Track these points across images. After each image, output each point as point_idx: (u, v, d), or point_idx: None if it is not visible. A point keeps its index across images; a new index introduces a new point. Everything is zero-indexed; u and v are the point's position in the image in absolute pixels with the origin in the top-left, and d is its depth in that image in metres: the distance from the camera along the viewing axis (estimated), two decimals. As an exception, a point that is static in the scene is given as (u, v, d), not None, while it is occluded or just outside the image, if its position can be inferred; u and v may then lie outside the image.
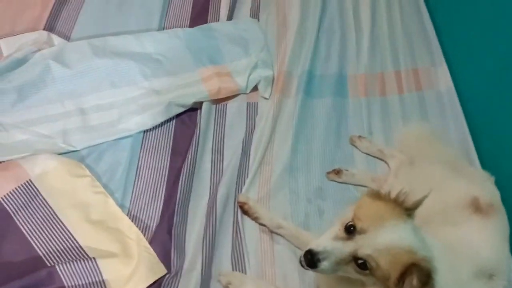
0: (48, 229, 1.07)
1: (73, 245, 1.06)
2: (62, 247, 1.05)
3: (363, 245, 0.78)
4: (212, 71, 1.38)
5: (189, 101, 1.30)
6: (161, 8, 1.55)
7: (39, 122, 1.23)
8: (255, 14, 1.60)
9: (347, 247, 0.80)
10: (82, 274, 0.99)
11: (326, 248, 0.81)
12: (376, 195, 0.86)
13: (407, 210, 0.82)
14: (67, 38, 1.43)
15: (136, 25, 1.49)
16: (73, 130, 1.23)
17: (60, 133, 1.22)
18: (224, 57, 1.42)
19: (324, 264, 0.80)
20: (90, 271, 1.00)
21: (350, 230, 0.82)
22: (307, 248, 0.83)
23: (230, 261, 1.08)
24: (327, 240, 0.83)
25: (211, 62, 1.40)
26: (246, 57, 1.43)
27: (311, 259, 0.81)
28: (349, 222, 0.82)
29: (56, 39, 1.39)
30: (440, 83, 1.50)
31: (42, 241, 1.05)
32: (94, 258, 1.01)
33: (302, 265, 0.86)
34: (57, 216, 1.09)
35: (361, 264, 0.78)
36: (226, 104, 1.36)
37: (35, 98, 1.26)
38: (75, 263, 1.00)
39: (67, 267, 0.99)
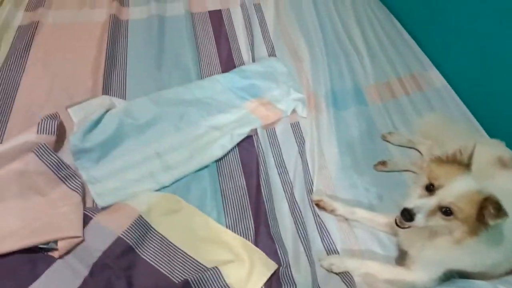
0: (166, 253, 1.23)
1: (191, 261, 1.22)
2: (183, 266, 1.21)
3: (444, 196, 1.03)
4: (255, 103, 1.63)
5: (247, 129, 1.53)
6: (194, 63, 1.79)
7: (124, 170, 1.41)
8: (272, 53, 1.87)
9: (432, 201, 1.04)
10: (210, 282, 1.16)
11: (417, 204, 1.04)
12: (439, 159, 1.12)
13: (465, 164, 1.08)
14: (123, 99, 1.63)
15: (178, 79, 1.72)
16: (157, 171, 1.41)
17: (147, 176, 1.40)
18: (261, 91, 1.67)
19: (418, 217, 1.03)
20: (215, 278, 1.17)
21: (430, 189, 1.06)
22: (402, 208, 1.06)
23: (322, 247, 1.29)
24: (415, 199, 1.07)
25: (251, 96, 1.65)
26: (278, 88, 1.69)
27: (408, 215, 1.04)
28: (427, 183, 1.07)
29: (116, 100, 1.59)
30: (436, 82, 1.83)
31: (165, 264, 1.21)
32: (216, 267, 1.18)
33: (398, 225, 1.09)
34: (169, 241, 1.25)
35: (445, 211, 1.02)
36: (274, 128, 1.59)
37: (116, 151, 1.44)
38: (201, 273, 1.16)
39: (196, 278, 1.15)
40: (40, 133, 1.38)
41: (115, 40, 1.84)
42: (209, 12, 2.08)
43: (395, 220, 1.11)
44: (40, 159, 1.29)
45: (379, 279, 1.21)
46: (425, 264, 1.16)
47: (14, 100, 1.57)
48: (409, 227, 1.10)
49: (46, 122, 1.40)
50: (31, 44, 1.78)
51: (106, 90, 1.64)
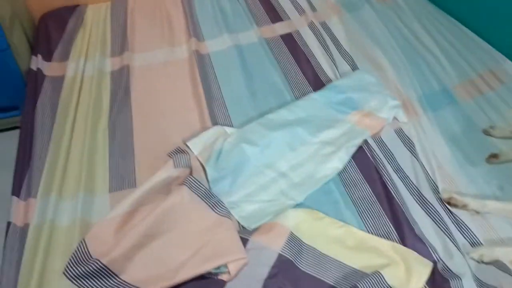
0: (323, 265, 1.29)
1: (350, 270, 1.29)
2: (344, 274, 1.28)
3: None
4: (357, 115, 1.71)
5: (358, 141, 1.61)
6: (284, 85, 1.88)
7: (257, 192, 1.48)
8: (354, 67, 1.97)
9: None
10: (375, 286, 1.22)
11: None
12: None
13: None
14: (230, 126, 1.71)
15: (275, 102, 1.81)
16: (286, 189, 1.49)
17: (279, 194, 1.48)
18: (358, 103, 1.75)
19: None
20: (379, 282, 1.23)
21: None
22: None
23: (465, 241, 1.35)
24: None
25: (351, 109, 1.73)
26: (374, 98, 1.77)
27: None
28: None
29: (227, 129, 1.67)
30: (513, 73, 1.91)
31: (327, 275, 1.27)
32: (377, 271, 1.25)
33: None
34: (323, 253, 1.32)
35: None
36: (380, 136, 1.67)
37: (243, 176, 1.51)
38: (365, 279, 1.23)
39: (362, 284, 1.22)
40: (177, 167, 1.46)
41: (205, 73, 1.94)
42: (281, 36, 2.18)
43: None
44: (193, 190, 1.37)
45: (529, 263, 1.27)
46: None
47: (133, 141, 1.65)
48: None
49: (179, 156, 1.49)
50: (129, 87, 1.88)
51: (213, 121, 1.73)
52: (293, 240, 1.33)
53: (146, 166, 1.56)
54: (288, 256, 1.29)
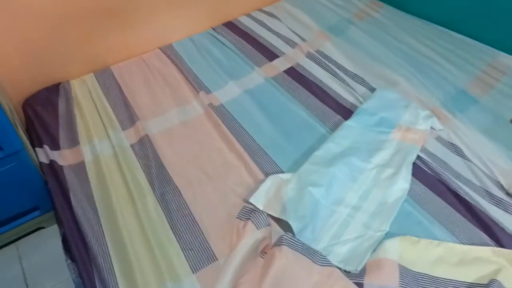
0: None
1: (466, 285, 1.30)
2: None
3: None
4: (398, 132, 1.76)
5: (413, 156, 1.65)
6: (312, 118, 1.89)
7: (340, 232, 1.46)
8: (369, 87, 2.03)
9: None
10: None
11: None
12: None
13: None
14: (280, 172, 1.68)
15: (311, 138, 1.80)
16: (367, 221, 1.48)
17: (363, 228, 1.46)
18: (394, 121, 1.80)
19: None
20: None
21: None
22: None
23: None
24: None
25: (390, 128, 1.78)
26: (405, 113, 1.83)
27: None
28: None
29: (283, 176, 1.64)
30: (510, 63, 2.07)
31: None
32: (494, 279, 1.27)
33: None
34: (435, 276, 1.32)
35: None
36: (426, 148, 1.72)
37: (320, 220, 1.49)
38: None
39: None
40: (260, 228, 1.40)
41: (231, 125, 1.89)
42: (284, 71, 2.20)
43: None
44: (293, 248, 1.32)
45: None
46: None
47: (191, 213, 1.57)
48: None
49: (256, 216, 1.43)
50: (159, 157, 1.78)
51: (263, 172, 1.68)
52: (405, 272, 1.31)
53: (216, 235, 1.49)
54: (407, 289, 1.27)
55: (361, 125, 1.80)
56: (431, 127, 1.80)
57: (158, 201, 1.61)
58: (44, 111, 2.07)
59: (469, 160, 1.65)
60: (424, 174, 1.63)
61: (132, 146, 1.86)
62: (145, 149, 1.82)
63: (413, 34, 2.33)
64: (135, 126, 1.94)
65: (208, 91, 2.11)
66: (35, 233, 1.95)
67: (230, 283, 1.28)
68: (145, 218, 1.54)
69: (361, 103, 1.94)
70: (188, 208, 1.58)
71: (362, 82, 2.07)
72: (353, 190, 1.58)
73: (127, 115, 2.01)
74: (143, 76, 2.26)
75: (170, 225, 1.53)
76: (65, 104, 2.11)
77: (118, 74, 2.28)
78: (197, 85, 2.13)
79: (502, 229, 1.41)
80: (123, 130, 1.95)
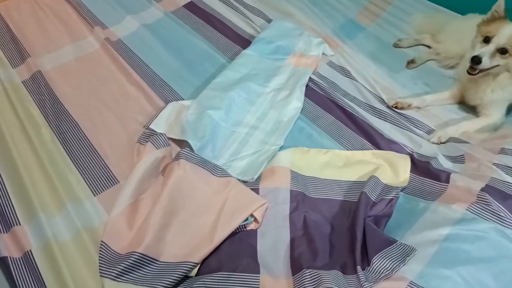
0: (328, 187, 1.43)
1: (350, 183, 1.45)
2: (346, 189, 1.43)
3: (499, 41, 1.43)
4: (293, 58, 1.85)
5: (305, 79, 1.76)
6: (215, 50, 1.93)
7: (239, 149, 1.54)
8: (268, 19, 2.10)
9: (491, 46, 1.44)
10: (376, 188, 1.40)
11: (481, 51, 1.44)
12: (485, 21, 1.51)
13: (503, 17, 1.48)
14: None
15: (213, 68, 1.84)
16: (264, 138, 1.57)
17: (260, 144, 1.55)
18: (289, 48, 1.89)
19: (484, 59, 1.44)
20: (377, 184, 1.40)
21: (487, 40, 1.45)
22: (471, 56, 1.44)
23: (422, 132, 1.61)
24: (478, 49, 1.45)
25: (285, 55, 1.87)
26: (299, 40, 1.92)
27: (476, 60, 1.42)
28: (483, 37, 1.46)
29: (184, 102, 1.66)
30: None
31: (334, 194, 1.41)
32: (373, 176, 1.42)
33: (469, 73, 1.48)
34: (322, 179, 1.45)
35: (502, 51, 1.42)
36: (318, 71, 1.84)
37: (220, 139, 1.55)
38: (368, 185, 1.40)
39: (368, 188, 1.38)
40: (159, 148, 1.43)
41: (129, 59, 1.87)
42: (184, 6, 2.20)
43: (467, 70, 1.49)
44: (190, 161, 1.37)
45: (471, 132, 1.57)
46: (496, 105, 1.56)
47: (90, 142, 1.55)
48: (477, 73, 1.49)
49: (155, 138, 1.45)
50: (52, 91, 1.72)
51: (164, 100, 1.70)
52: (295, 176, 1.43)
53: (118, 160, 1.49)
54: (298, 190, 1.38)
55: (258, 53, 1.86)
56: (323, 53, 1.91)
57: (54, 132, 1.57)
58: None
59: (356, 80, 1.79)
60: (316, 94, 1.74)
61: (24, 82, 1.78)
62: (37, 85, 1.75)
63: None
64: (26, 63, 1.84)
65: (104, 27, 2.05)
66: None
67: (131, 198, 1.31)
68: (41, 149, 1.50)
69: (259, 34, 1.99)
70: (87, 138, 1.56)
71: (261, 14, 2.13)
72: (251, 112, 1.66)
73: (17, 53, 1.90)
74: (33, 13, 2.12)
75: (68, 153, 1.51)
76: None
77: (6, 13, 2.12)
78: (92, 21, 2.05)
79: (381, 135, 1.57)
80: (13, 67, 1.84)
